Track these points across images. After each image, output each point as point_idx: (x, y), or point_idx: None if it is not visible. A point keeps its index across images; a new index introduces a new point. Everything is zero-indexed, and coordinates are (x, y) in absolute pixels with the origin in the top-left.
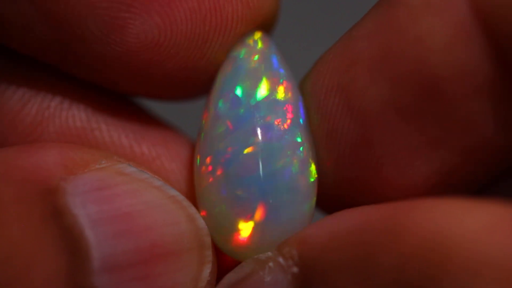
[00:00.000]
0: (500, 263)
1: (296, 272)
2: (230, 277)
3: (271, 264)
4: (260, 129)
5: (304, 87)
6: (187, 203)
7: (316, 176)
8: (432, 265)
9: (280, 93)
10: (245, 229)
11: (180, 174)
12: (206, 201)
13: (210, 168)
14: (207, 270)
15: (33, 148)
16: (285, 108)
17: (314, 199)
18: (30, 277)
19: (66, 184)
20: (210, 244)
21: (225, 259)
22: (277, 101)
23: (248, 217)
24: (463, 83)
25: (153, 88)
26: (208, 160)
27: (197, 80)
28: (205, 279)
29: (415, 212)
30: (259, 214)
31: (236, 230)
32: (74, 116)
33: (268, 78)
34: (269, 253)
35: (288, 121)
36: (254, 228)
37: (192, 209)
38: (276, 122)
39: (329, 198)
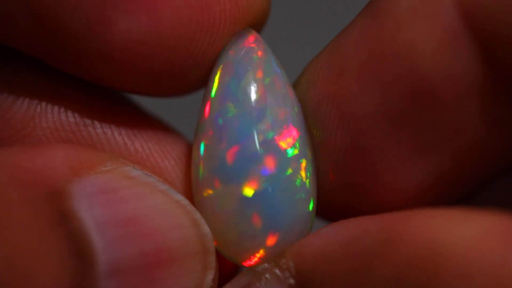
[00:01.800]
0: (493, 270)
1: (293, 284)
2: None
3: (267, 275)
4: (265, 143)
5: (295, 93)
6: (191, 208)
7: (315, 183)
8: (426, 274)
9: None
10: (260, 248)
11: (174, 172)
12: (206, 216)
13: (211, 183)
14: (210, 276)
15: (38, 148)
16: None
17: (314, 206)
18: (36, 281)
19: (72, 186)
20: (213, 250)
21: (225, 265)
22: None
23: (260, 235)
24: (453, 87)
25: (140, 84)
26: (209, 174)
27: (185, 78)
28: (208, 285)
29: (410, 222)
30: (270, 232)
31: (251, 248)
32: (67, 112)
33: (273, 86)
34: (266, 265)
35: (293, 132)
36: (267, 247)
37: (197, 214)
38: (279, 135)
39: (329, 204)
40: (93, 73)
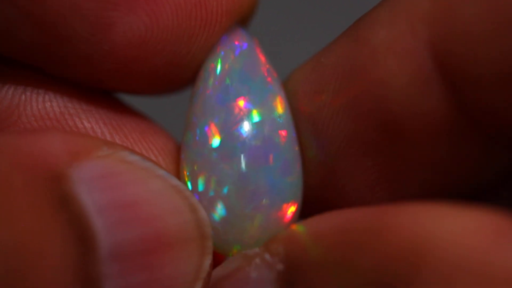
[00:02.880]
0: (475, 268)
1: (281, 269)
2: (217, 271)
3: (257, 260)
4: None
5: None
6: (188, 193)
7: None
8: (408, 266)
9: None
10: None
11: (158, 162)
12: None
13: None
14: (207, 261)
15: (36, 134)
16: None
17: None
18: (41, 266)
19: (72, 171)
20: (210, 235)
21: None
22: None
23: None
24: (421, 123)
25: (138, 84)
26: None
27: (182, 75)
28: (206, 270)
29: (399, 214)
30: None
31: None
32: (51, 101)
33: (252, 82)
34: (257, 249)
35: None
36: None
37: (194, 199)
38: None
39: (311, 209)
40: (95, 76)
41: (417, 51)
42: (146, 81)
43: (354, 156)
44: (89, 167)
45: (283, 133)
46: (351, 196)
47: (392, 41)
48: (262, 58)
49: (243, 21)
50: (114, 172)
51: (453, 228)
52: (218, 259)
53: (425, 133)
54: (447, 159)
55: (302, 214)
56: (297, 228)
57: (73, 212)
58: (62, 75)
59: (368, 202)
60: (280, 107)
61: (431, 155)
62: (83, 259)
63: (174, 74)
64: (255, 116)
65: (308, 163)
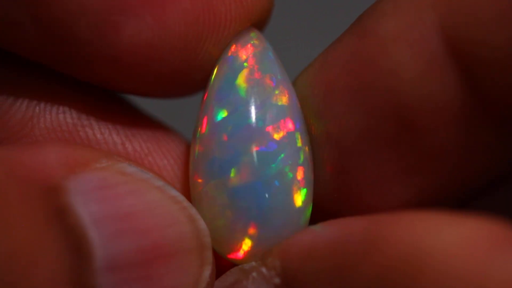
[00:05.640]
0: (474, 280)
1: (278, 283)
2: (215, 285)
3: (254, 274)
4: (257, 136)
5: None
6: (187, 204)
7: (312, 183)
8: (406, 278)
9: (278, 98)
10: (244, 240)
11: (173, 171)
12: (201, 210)
13: (204, 177)
14: (207, 272)
15: (34, 146)
16: (282, 113)
17: (310, 205)
18: (34, 276)
19: (68, 183)
20: (210, 245)
21: (222, 261)
22: (274, 106)
23: (244, 227)
24: (435, 111)
25: (147, 86)
26: (202, 168)
27: (191, 79)
28: (205, 280)
29: (395, 225)
30: (254, 224)
31: (234, 241)
32: (65, 112)
33: (264, 82)
34: (253, 263)
35: (289, 126)
36: (250, 239)
37: (193, 210)
38: (272, 128)
39: (322, 211)
40: (102, 77)
41: (427, 38)
42: (156, 84)
43: (368, 151)
44: (85, 178)
45: (283, 149)
46: (367, 195)
47: (400, 30)
48: (272, 69)
49: (257, 25)
50: (111, 183)
51: (449, 238)
52: (223, 270)
53: (438, 121)
54: (461, 147)
55: (316, 217)
56: (293, 239)
57: (68, 223)
58: (70, 74)
59: (384, 200)
60: (285, 124)
61: (445, 144)
62: (78, 269)
63: (184, 78)
64: (254, 139)
65: (320, 166)
